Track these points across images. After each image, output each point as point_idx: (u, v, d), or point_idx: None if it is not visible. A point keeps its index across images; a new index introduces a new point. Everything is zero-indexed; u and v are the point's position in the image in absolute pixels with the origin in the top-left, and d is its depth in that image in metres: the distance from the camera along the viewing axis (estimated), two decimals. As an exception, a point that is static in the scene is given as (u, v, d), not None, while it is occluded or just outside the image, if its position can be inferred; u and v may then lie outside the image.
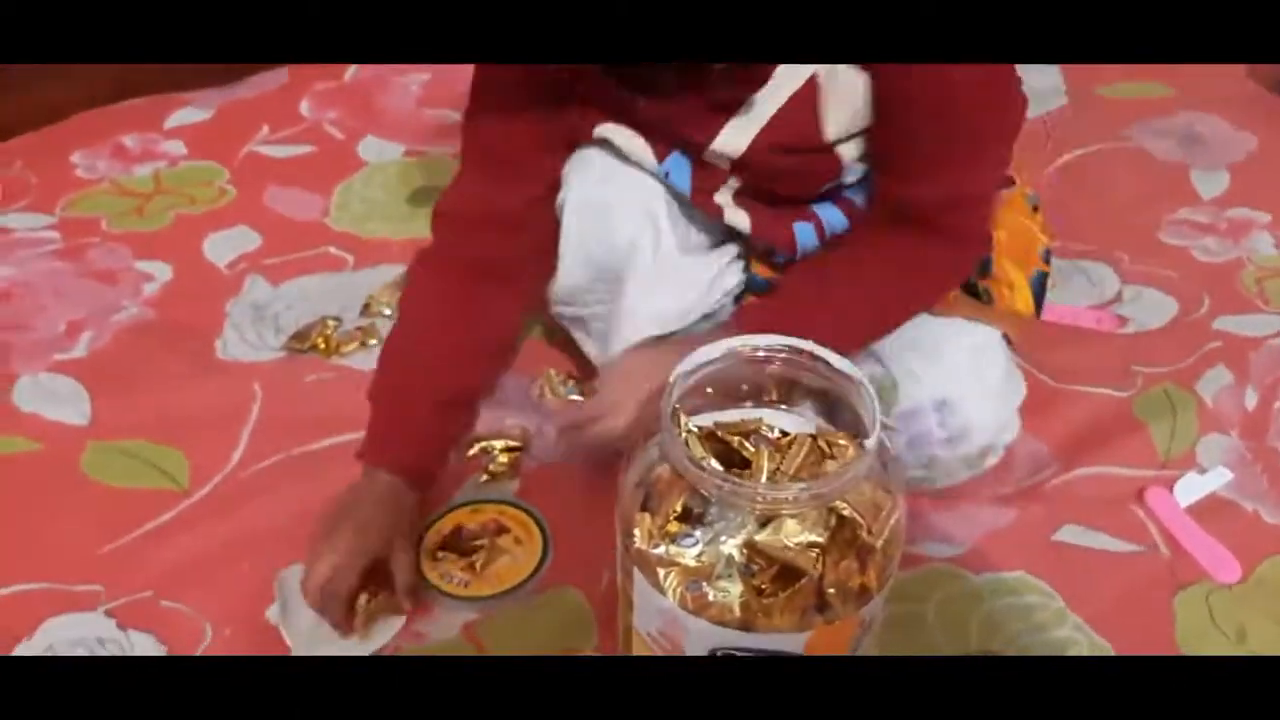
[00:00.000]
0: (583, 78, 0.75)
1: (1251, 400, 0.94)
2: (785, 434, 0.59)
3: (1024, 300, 0.82)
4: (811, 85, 0.70)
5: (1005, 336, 0.81)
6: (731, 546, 0.55)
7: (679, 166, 0.78)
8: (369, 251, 1.10)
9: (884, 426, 0.72)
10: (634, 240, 0.79)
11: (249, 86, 1.36)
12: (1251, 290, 1.06)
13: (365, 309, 1.02)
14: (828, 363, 0.57)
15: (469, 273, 0.79)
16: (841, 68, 0.69)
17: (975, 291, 0.80)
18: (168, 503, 0.85)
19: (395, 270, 1.07)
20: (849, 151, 0.73)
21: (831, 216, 0.78)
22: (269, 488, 0.85)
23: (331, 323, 1.00)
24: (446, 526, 0.82)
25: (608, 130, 0.77)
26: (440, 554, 0.80)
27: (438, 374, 0.78)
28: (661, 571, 0.56)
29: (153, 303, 1.04)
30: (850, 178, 0.76)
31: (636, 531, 0.58)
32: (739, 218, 0.79)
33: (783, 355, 0.58)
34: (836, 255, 0.78)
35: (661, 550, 0.56)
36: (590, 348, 0.88)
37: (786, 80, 0.70)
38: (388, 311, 1.02)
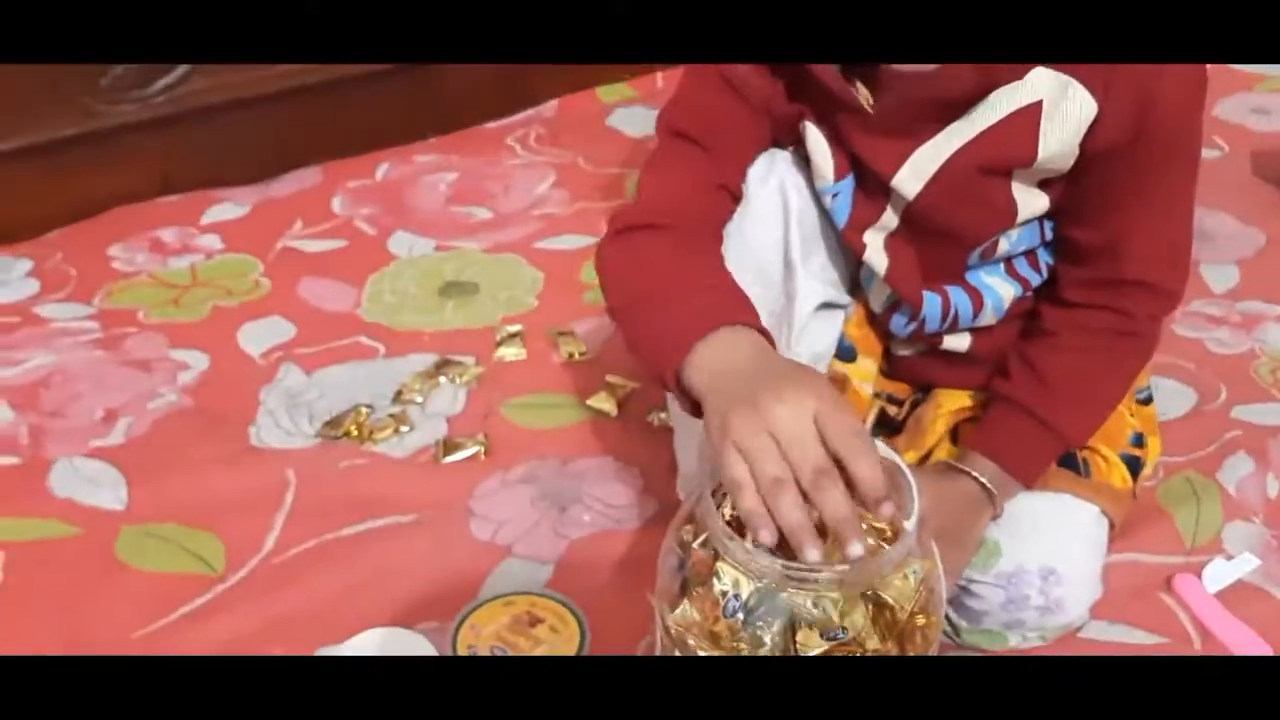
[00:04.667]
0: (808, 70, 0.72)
1: (1274, 488, 0.95)
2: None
3: (1120, 475, 0.82)
4: (1037, 106, 0.69)
5: (1105, 516, 0.81)
6: (773, 631, 0.56)
7: (847, 192, 0.76)
8: (400, 342, 1.13)
9: (982, 583, 0.76)
10: (765, 244, 0.77)
11: (283, 184, 1.40)
12: (1267, 380, 1.08)
13: (397, 396, 1.04)
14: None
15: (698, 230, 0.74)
16: (1080, 90, 0.69)
17: (1074, 464, 0.81)
18: (202, 587, 0.85)
19: (426, 359, 1.09)
20: (1027, 201, 0.73)
21: (960, 299, 0.79)
22: (303, 572, 0.86)
23: (365, 410, 1.02)
24: (480, 620, 0.82)
25: (808, 129, 0.75)
26: (475, 647, 0.80)
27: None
28: (702, 654, 0.57)
29: (189, 390, 1.06)
30: (1006, 244, 0.76)
31: (677, 615, 0.58)
32: (879, 258, 0.78)
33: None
34: (1037, 352, 0.78)
35: (703, 632, 0.57)
36: None
37: (1009, 96, 0.69)
38: (419, 399, 1.04)
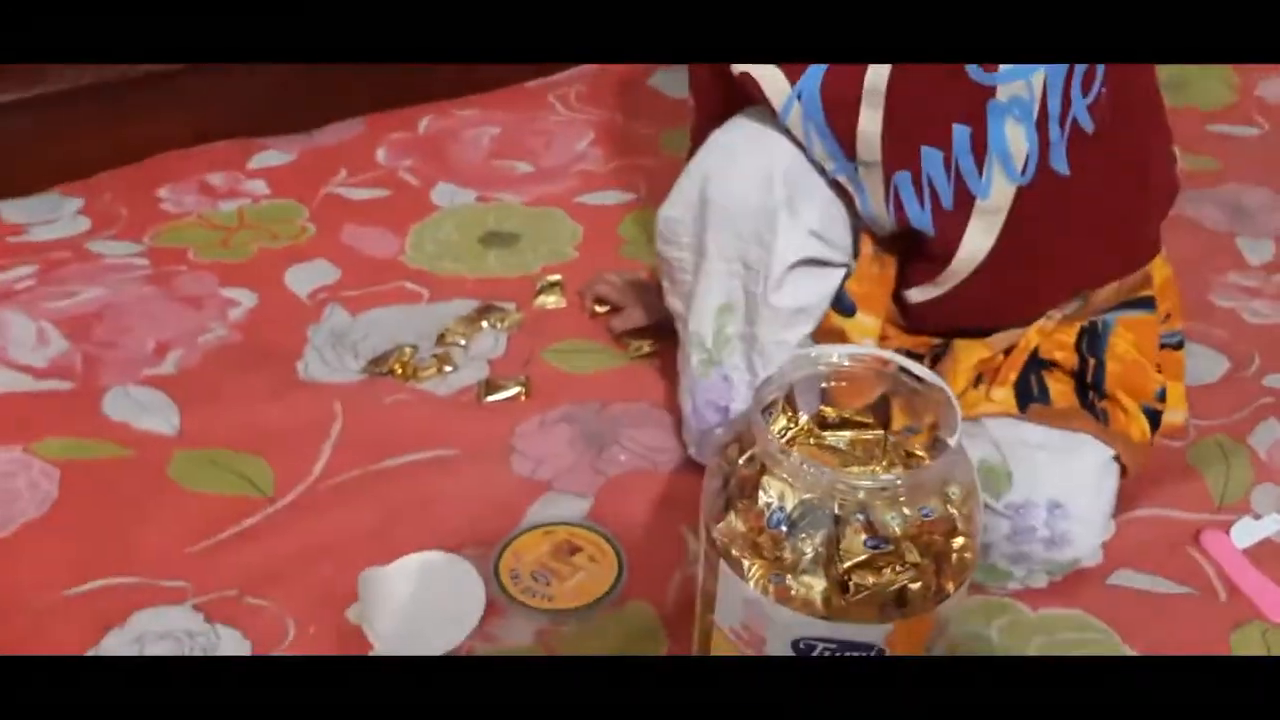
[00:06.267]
0: None
1: (1304, 454, 0.96)
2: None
3: (1139, 428, 0.82)
4: None
5: (1119, 461, 0.82)
6: (815, 542, 0.58)
7: (813, 77, 0.77)
8: (443, 287, 1.15)
9: (992, 510, 0.77)
10: (745, 196, 0.80)
11: (328, 134, 1.42)
12: (1300, 350, 1.09)
13: (440, 339, 1.07)
14: (911, 372, 0.61)
15: None
16: None
17: (1094, 412, 0.82)
18: (253, 508, 0.88)
19: (469, 304, 1.12)
20: None
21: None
22: (350, 498, 0.89)
23: (409, 349, 1.04)
24: (521, 548, 0.85)
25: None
26: (517, 572, 0.82)
27: None
28: (745, 564, 0.59)
29: (238, 326, 1.09)
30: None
31: (722, 527, 0.60)
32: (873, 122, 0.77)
33: (865, 364, 0.62)
34: None
35: (746, 543, 0.59)
36: (674, 300, 0.89)
37: None
38: (462, 342, 1.06)
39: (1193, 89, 1.53)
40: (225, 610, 0.80)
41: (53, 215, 1.25)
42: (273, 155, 1.38)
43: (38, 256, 1.18)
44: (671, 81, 1.55)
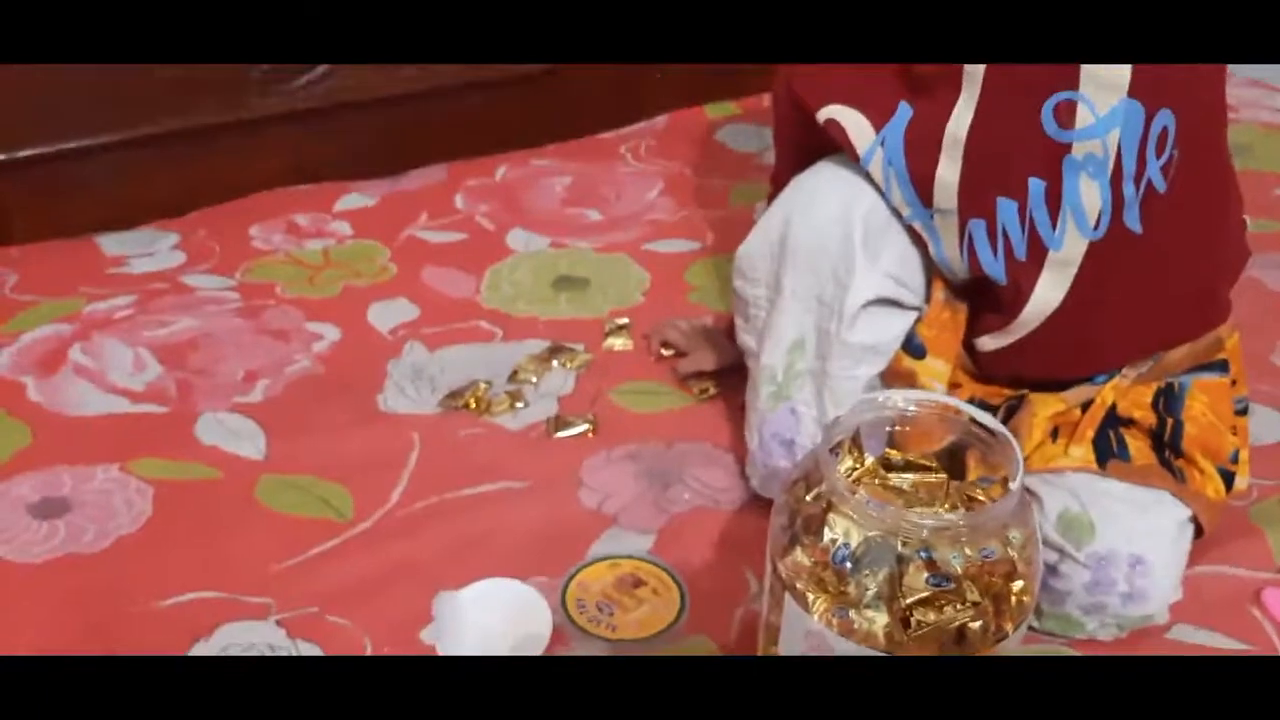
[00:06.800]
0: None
1: (1367, 516, 0.96)
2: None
3: (1215, 488, 0.84)
4: None
5: (1194, 521, 0.83)
6: (878, 579, 0.60)
7: (897, 125, 0.80)
8: (517, 327, 1.19)
9: (1073, 560, 0.79)
10: (824, 235, 0.83)
11: (409, 179, 1.49)
12: (1364, 414, 1.09)
13: (513, 376, 1.11)
14: (974, 419, 0.63)
15: None
16: None
17: (1171, 470, 0.83)
18: (333, 531, 0.92)
19: (540, 344, 1.16)
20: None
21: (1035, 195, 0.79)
22: (427, 524, 0.93)
23: (483, 385, 1.08)
24: (587, 578, 0.88)
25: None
26: (583, 601, 0.85)
27: None
28: (810, 597, 0.62)
29: (322, 359, 1.14)
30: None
31: (787, 561, 0.63)
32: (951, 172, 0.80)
33: (931, 410, 0.64)
34: None
35: (811, 578, 0.61)
36: (746, 337, 0.92)
37: None
38: (534, 380, 1.10)
39: (1258, 153, 1.54)
40: (306, 626, 0.84)
41: (150, 249, 1.33)
42: (356, 198, 1.44)
43: (136, 287, 1.24)
44: (738, 136, 1.60)
